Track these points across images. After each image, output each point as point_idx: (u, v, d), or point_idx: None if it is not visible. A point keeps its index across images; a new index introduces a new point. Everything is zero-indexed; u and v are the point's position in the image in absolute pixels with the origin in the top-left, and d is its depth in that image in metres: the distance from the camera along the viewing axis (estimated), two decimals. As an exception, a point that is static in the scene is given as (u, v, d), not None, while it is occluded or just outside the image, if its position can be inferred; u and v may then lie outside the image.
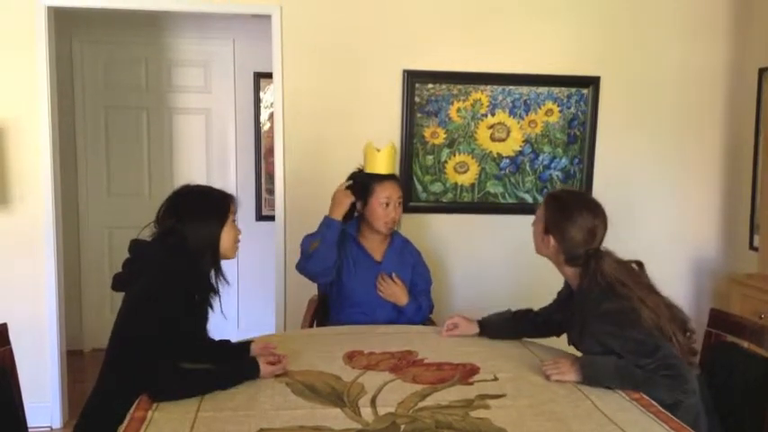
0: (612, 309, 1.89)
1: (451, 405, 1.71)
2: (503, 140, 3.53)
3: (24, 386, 2.03)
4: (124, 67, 4.42)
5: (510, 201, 3.57)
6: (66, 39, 4.14)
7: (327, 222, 2.54)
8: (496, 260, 3.56)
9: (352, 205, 2.61)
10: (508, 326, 2.32)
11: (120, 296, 1.91)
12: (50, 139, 3.25)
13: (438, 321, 2.66)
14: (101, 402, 1.84)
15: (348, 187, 2.59)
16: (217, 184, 2.06)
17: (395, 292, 2.63)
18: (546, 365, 1.94)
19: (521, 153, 3.55)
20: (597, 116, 3.56)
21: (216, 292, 1.94)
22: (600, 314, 1.91)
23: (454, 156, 3.51)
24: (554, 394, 1.81)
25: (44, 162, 3.25)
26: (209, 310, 1.97)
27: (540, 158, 3.56)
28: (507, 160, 3.55)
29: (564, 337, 2.17)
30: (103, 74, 4.41)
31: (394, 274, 2.65)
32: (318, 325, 2.77)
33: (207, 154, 4.55)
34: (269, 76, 3.57)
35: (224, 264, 1.96)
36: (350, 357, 2.07)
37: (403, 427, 1.58)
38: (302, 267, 2.61)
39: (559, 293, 2.24)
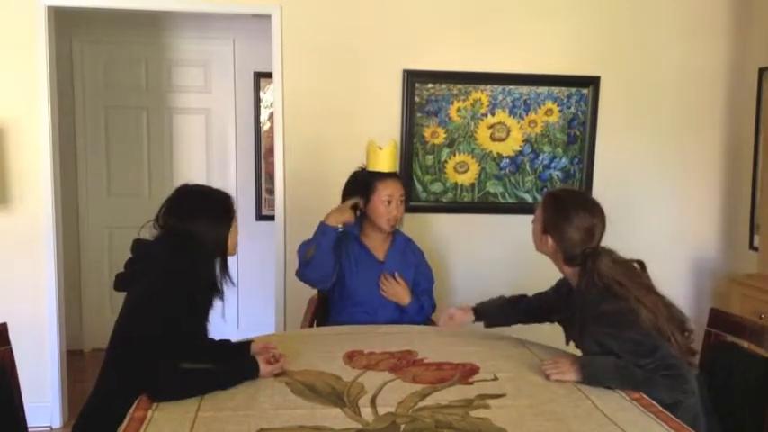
0: (610, 310, 1.89)
1: (451, 405, 1.71)
2: (503, 140, 3.53)
3: (24, 386, 2.03)
4: (124, 67, 4.42)
5: (510, 201, 3.57)
6: (66, 39, 4.14)
7: (323, 229, 2.53)
8: (496, 260, 3.56)
9: (354, 204, 2.62)
10: (503, 312, 2.34)
11: (120, 296, 1.91)
12: (50, 139, 3.25)
13: (438, 321, 2.66)
14: (101, 402, 1.84)
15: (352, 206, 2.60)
16: (217, 184, 2.06)
17: (398, 291, 2.63)
18: (546, 365, 1.94)
19: (521, 153, 3.55)
20: (597, 116, 3.56)
21: (221, 294, 1.94)
22: (598, 315, 1.91)
23: (454, 155, 3.51)
24: (554, 394, 1.81)
25: (44, 162, 3.25)
26: (211, 310, 1.97)
27: (540, 158, 3.56)
28: (507, 160, 3.55)
29: (563, 336, 2.17)
30: (103, 74, 4.41)
31: (397, 274, 2.65)
32: (319, 324, 2.77)
33: (207, 154, 4.55)
34: (269, 75, 3.57)
35: (225, 263, 1.96)
36: (350, 357, 2.07)
37: (403, 426, 1.58)
38: (301, 274, 2.61)
39: (558, 283, 2.24)
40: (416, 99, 3.44)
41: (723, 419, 1.97)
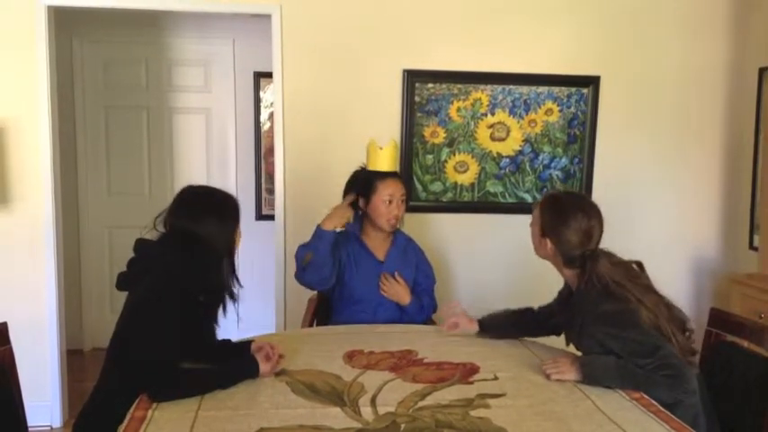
0: (611, 310, 1.89)
1: (451, 404, 1.71)
2: (503, 140, 3.53)
3: (24, 385, 2.04)
4: (124, 67, 4.42)
5: (510, 200, 3.57)
6: (66, 39, 4.14)
7: (319, 234, 2.52)
8: (496, 260, 3.56)
9: (354, 204, 2.62)
10: (508, 326, 2.32)
11: (120, 295, 1.91)
12: (50, 139, 3.25)
13: (438, 321, 2.66)
14: (102, 401, 1.84)
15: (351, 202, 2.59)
16: (217, 184, 2.06)
17: (398, 291, 2.63)
18: (546, 365, 1.94)
19: (521, 152, 3.55)
20: (597, 116, 3.56)
21: (233, 295, 1.93)
22: (598, 315, 1.91)
23: (454, 155, 3.51)
24: (554, 394, 1.81)
25: (44, 162, 3.25)
26: (221, 313, 1.96)
27: (540, 158, 3.56)
28: (507, 160, 3.55)
29: (563, 337, 2.17)
30: (103, 74, 4.41)
31: (396, 273, 2.65)
32: (319, 324, 2.77)
33: (207, 153, 4.56)
34: (269, 75, 3.58)
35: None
36: (350, 357, 2.07)
37: (403, 426, 1.58)
38: (299, 278, 2.61)
39: (560, 293, 2.24)
40: (416, 99, 3.44)
41: (723, 419, 1.97)
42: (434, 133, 3.49)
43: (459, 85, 3.46)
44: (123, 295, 1.91)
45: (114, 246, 4.45)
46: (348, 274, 2.62)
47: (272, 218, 3.66)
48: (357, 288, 2.62)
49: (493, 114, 3.51)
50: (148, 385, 1.70)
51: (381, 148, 2.61)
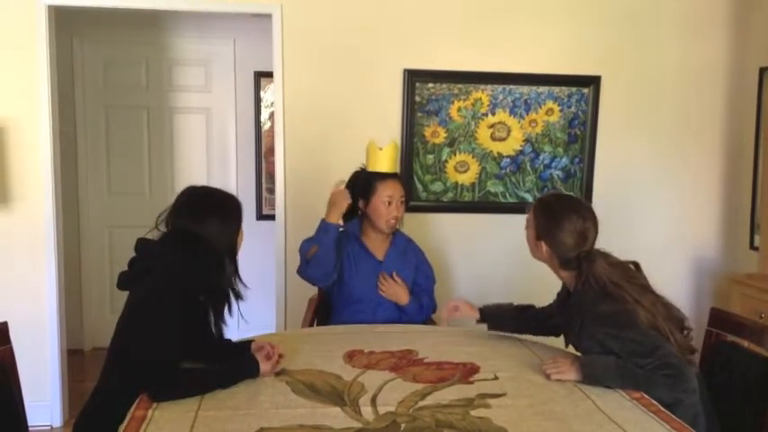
0: (609, 310, 1.89)
1: (452, 404, 1.71)
2: (503, 140, 3.54)
3: (25, 385, 2.04)
4: (124, 67, 4.42)
5: (510, 200, 3.58)
6: (66, 38, 4.14)
7: (324, 227, 2.53)
8: (497, 259, 3.56)
9: (354, 204, 2.62)
10: (508, 319, 2.32)
11: (120, 294, 1.90)
12: (50, 139, 3.25)
13: (438, 321, 2.66)
14: (102, 401, 1.84)
15: (346, 187, 2.59)
16: (217, 184, 2.06)
17: (396, 291, 2.63)
18: (546, 365, 1.94)
19: (521, 152, 3.55)
20: (598, 116, 3.56)
21: (238, 295, 1.94)
22: (597, 316, 1.91)
23: (455, 155, 3.51)
24: (554, 393, 1.81)
25: (44, 161, 3.25)
26: (227, 313, 1.96)
27: (541, 158, 3.57)
28: (508, 159, 3.55)
29: (563, 337, 2.17)
30: (104, 73, 4.41)
31: (395, 273, 2.65)
32: (319, 324, 2.77)
33: (207, 153, 4.56)
34: (269, 75, 3.58)
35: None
36: (350, 356, 2.07)
37: (403, 426, 1.58)
38: (303, 272, 2.61)
39: (558, 294, 2.24)
40: (417, 98, 3.44)
41: (723, 419, 1.97)
42: (435, 133, 3.49)
43: (459, 85, 3.46)
44: (124, 295, 1.91)
45: (114, 245, 4.45)
46: (348, 273, 2.63)
47: (272, 218, 3.66)
48: (356, 288, 2.62)
49: (493, 114, 3.51)
50: (148, 385, 1.70)
51: (381, 149, 2.61)
